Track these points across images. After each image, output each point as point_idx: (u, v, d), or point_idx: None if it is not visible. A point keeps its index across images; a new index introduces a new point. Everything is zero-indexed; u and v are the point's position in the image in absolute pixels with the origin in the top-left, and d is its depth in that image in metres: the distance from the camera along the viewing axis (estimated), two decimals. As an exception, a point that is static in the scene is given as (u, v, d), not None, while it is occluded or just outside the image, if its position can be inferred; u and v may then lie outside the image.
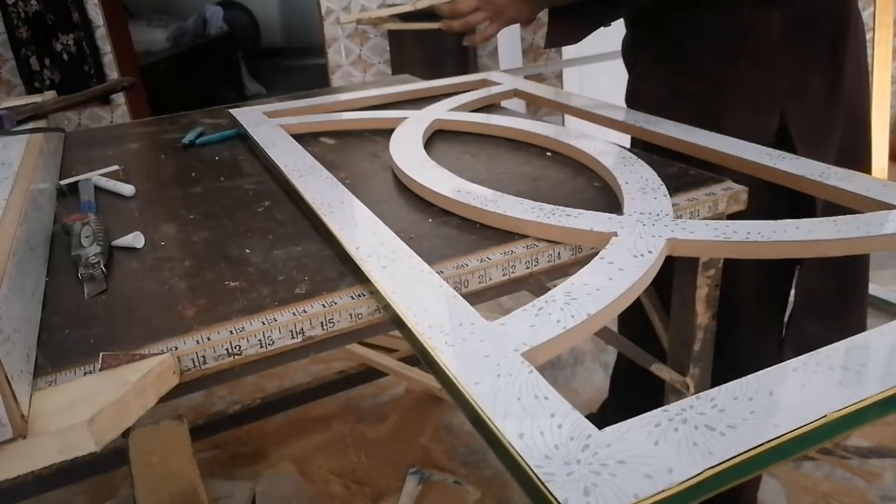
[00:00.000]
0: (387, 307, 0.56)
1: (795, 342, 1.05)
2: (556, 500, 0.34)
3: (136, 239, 0.73)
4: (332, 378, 1.59)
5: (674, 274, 0.86)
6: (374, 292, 0.59)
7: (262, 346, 0.56)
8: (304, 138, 1.06)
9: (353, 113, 1.15)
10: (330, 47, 3.23)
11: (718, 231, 0.64)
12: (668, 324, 0.91)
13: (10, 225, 0.63)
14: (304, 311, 0.58)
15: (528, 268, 0.67)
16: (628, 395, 1.37)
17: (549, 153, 0.95)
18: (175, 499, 0.63)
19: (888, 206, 0.69)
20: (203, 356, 0.54)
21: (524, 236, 0.69)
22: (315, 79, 3.60)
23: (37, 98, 1.21)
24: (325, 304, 0.59)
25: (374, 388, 1.75)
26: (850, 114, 1.00)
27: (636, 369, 1.02)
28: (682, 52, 1.02)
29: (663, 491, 0.34)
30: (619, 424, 0.39)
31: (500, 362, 0.46)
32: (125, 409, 0.48)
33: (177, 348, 0.54)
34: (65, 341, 0.56)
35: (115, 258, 0.70)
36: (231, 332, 0.56)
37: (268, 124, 1.05)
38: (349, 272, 0.64)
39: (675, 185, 0.80)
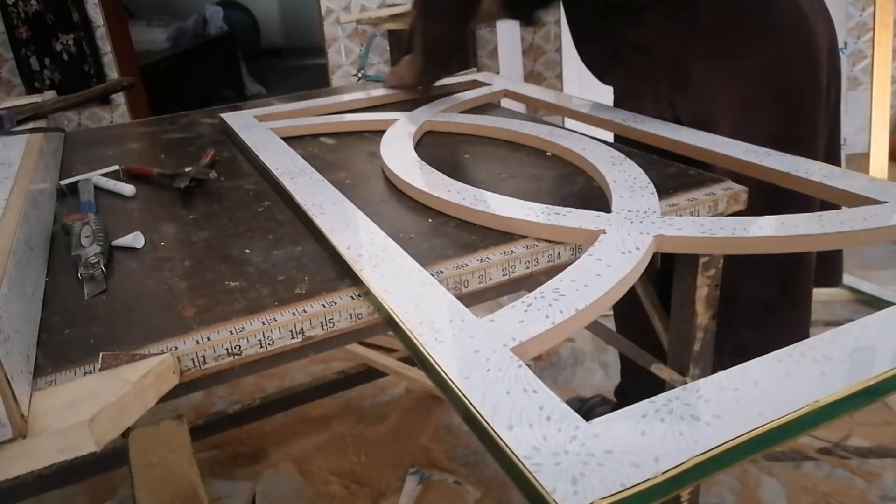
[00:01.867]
0: (378, 306, 0.57)
1: (733, 356, 0.96)
2: (544, 490, 0.34)
3: (136, 239, 0.73)
4: (332, 378, 1.59)
5: (674, 274, 0.86)
6: (368, 293, 0.59)
7: (262, 346, 0.56)
8: (304, 138, 1.07)
9: (343, 116, 1.16)
10: (330, 47, 3.23)
11: (705, 227, 0.65)
12: (669, 324, 0.91)
13: (10, 225, 0.63)
14: (304, 311, 0.58)
15: (528, 268, 0.67)
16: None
17: (548, 154, 0.95)
18: (175, 499, 0.63)
19: (871, 202, 0.70)
20: (203, 356, 0.54)
21: (524, 236, 0.69)
22: (315, 79, 3.60)
23: (37, 98, 1.21)
24: (325, 304, 0.59)
25: (374, 388, 1.75)
26: (758, 100, 0.98)
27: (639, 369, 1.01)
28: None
29: (650, 479, 0.35)
30: (606, 416, 0.39)
31: (490, 357, 0.46)
32: (125, 409, 0.48)
33: (177, 348, 0.54)
34: (65, 341, 0.56)
35: (115, 258, 0.70)
36: (231, 332, 0.56)
37: (258, 128, 1.06)
38: (344, 273, 0.64)
39: (675, 185, 0.80)
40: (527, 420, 0.40)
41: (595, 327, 1.25)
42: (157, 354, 0.53)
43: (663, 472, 0.35)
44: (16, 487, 1.10)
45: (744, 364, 0.43)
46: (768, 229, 0.65)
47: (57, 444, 0.45)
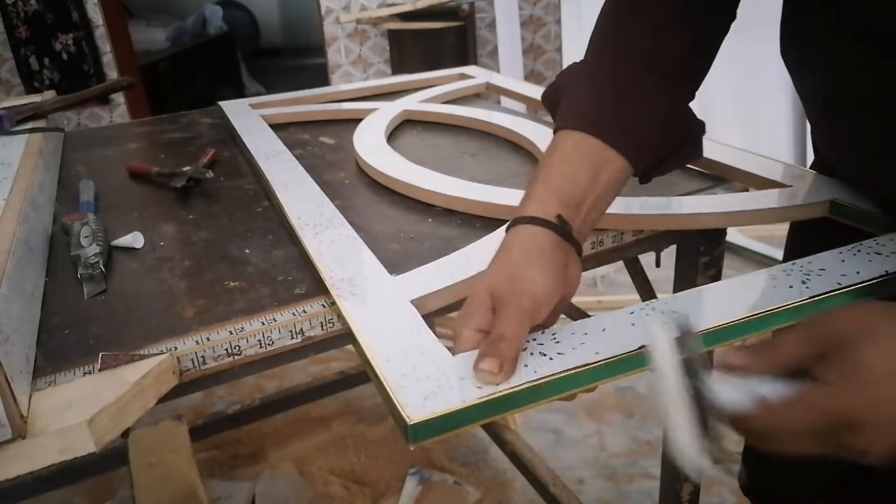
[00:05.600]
0: (307, 261, 0.63)
1: None
2: (399, 404, 0.41)
3: (135, 239, 0.73)
4: (332, 378, 1.59)
5: (674, 271, 0.86)
6: (305, 255, 0.64)
7: (261, 347, 0.56)
8: (305, 139, 1.07)
9: (328, 105, 1.23)
10: (330, 47, 3.23)
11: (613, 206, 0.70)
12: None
13: (9, 225, 0.63)
14: (304, 311, 0.58)
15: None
16: None
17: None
18: (174, 499, 0.63)
19: (779, 185, 0.75)
20: (202, 356, 0.54)
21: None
22: (315, 78, 3.59)
23: (36, 98, 1.21)
24: (325, 304, 0.58)
25: (374, 388, 1.75)
26: None
27: None
28: None
29: (486, 396, 0.41)
30: (471, 351, 0.45)
31: (391, 307, 0.53)
32: (124, 410, 0.48)
33: (176, 348, 0.54)
34: (64, 341, 0.56)
35: (114, 258, 0.70)
36: (231, 333, 0.56)
37: (250, 115, 1.13)
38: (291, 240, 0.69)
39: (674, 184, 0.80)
40: (404, 355, 0.46)
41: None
42: (156, 355, 0.53)
43: (501, 391, 0.42)
44: (15, 488, 1.10)
45: (599, 314, 0.49)
46: (664, 208, 0.69)
47: (56, 445, 0.45)
